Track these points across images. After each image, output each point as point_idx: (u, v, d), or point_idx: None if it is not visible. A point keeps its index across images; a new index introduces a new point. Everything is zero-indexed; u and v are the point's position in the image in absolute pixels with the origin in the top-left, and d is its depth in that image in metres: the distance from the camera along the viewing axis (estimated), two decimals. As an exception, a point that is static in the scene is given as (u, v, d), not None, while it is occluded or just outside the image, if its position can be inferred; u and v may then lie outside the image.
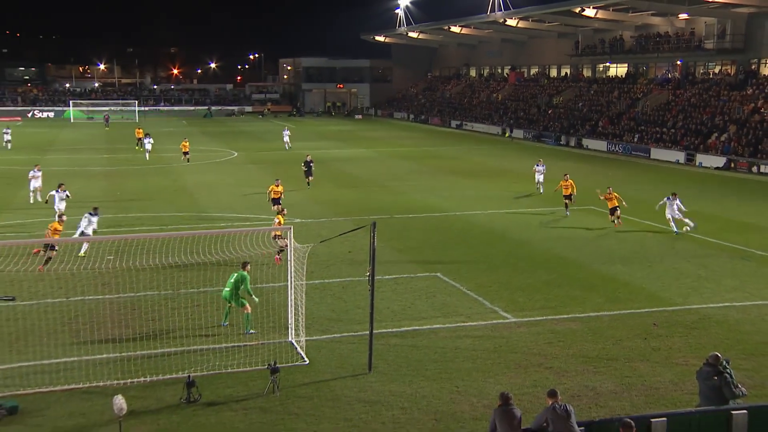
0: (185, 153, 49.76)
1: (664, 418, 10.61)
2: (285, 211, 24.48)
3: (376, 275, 14.61)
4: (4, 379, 13.79)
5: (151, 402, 13.13)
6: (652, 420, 10.55)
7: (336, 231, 25.34)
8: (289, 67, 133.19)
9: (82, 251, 23.20)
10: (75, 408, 12.82)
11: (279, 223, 23.09)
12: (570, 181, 30.96)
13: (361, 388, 13.85)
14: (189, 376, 13.34)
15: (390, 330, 16.86)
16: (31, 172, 33.90)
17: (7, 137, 59.46)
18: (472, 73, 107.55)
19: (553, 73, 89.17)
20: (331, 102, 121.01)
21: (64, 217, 23.75)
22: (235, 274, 16.99)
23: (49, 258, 21.39)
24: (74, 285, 20.04)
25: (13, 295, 14.08)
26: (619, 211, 28.64)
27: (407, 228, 28.74)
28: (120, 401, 11.91)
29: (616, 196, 28.86)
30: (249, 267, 17.36)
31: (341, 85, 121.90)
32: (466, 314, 18.24)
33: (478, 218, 30.97)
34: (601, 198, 29.45)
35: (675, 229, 27.54)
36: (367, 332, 14.73)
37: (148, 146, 52.13)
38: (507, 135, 73.12)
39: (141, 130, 59.99)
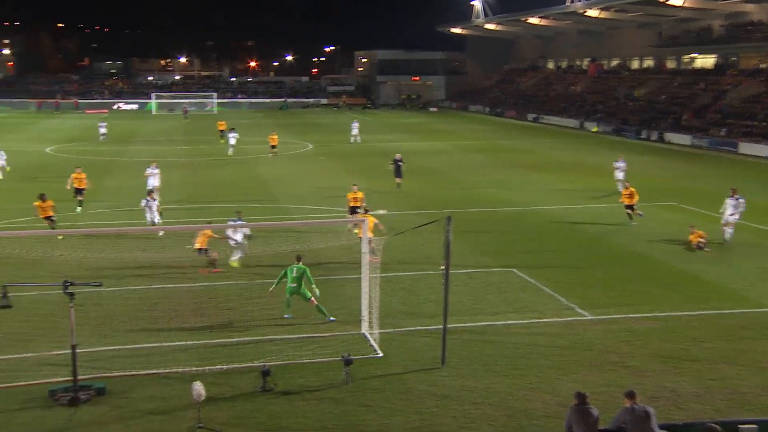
0: (273, 147, 48.40)
1: (754, 425, 10.17)
2: (380, 225, 21.73)
3: (449, 269, 14.57)
4: (92, 362, 14.41)
5: (227, 389, 13.49)
6: (740, 426, 10.13)
7: (409, 224, 25.36)
8: (364, 60, 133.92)
9: (235, 260, 21.46)
10: (156, 392, 13.32)
11: (370, 226, 22.07)
12: (632, 189, 28.21)
13: (433, 382, 13.88)
14: (264, 365, 13.63)
15: (463, 325, 16.80)
16: (149, 168, 32.34)
17: (103, 130, 60.64)
18: (549, 65, 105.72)
19: (634, 64, 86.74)
20: (406, 94, 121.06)
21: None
22: (295, 268, 17.10)
23: (213, 260, 21.01)
24: (154, 273, 20.75)
25: (101, 281, 14.75)
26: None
27: (481, 222, 28.55)
28: (198, 387, 12.30)
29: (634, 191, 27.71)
30: (302, 259, 17.50)
31: (416, 78, 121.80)
32: (540, 310, 18.03)
33: (554, 213, 30.50)
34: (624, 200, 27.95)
35: (726, 237, 24.72)
36: (440, 326, 14.73)
37: (233, 141, 50.68)
38: (594, 130, 70.84)
39: (224, 123, 60.58)
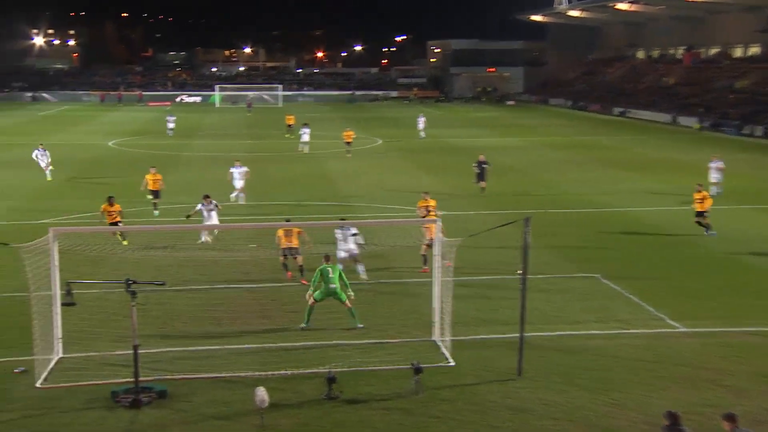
0: (347, 143, 47.45)
1: None
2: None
3: (527, 274, 14.44)
4: (154, 363, 14.85)
5: (291, 395, 13.70)
6: None
7: (484, 225, 25.22)
8: (437, 50, 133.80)
9: (363, 275, 20.37)
10: (218, 396, 13.64)
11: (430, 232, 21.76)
12: (704, 192, 26.40)
13: (508, 394, 13.78)
14: (330, 371, 13.78)
15: (541, 333, 16.60)
16: (233, 168, 31.42)
17: (171, 125, 60.07)
18: (639, 54, 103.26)
19: (737, 52, 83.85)
20: (481, 87, 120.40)
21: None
22: (329, 268, 17.01)
23: (301, 267, 20.25)
24: (216, 272, 21.21)
25: (163, 280, 15.23)
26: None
27: (562, 224, 28.22)
28: (262, 393, 12.54)
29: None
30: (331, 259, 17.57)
31: (492, 69, 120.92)
32: (626, 320, 17.67)
33: (643, 215, 29.85)
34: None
35: None
36: (516, 335, 14.61)
37: (306, 137, 48.95)
38: (696, 127, 67.93)
39: (292, 117, 60.73)
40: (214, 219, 24.00)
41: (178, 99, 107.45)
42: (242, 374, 14.52)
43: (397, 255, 22.29)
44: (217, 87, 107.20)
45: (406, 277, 20.91)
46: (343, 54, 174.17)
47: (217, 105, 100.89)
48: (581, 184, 37.43)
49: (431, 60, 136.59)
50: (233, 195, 31.05)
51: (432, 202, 24.30)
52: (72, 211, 29.34)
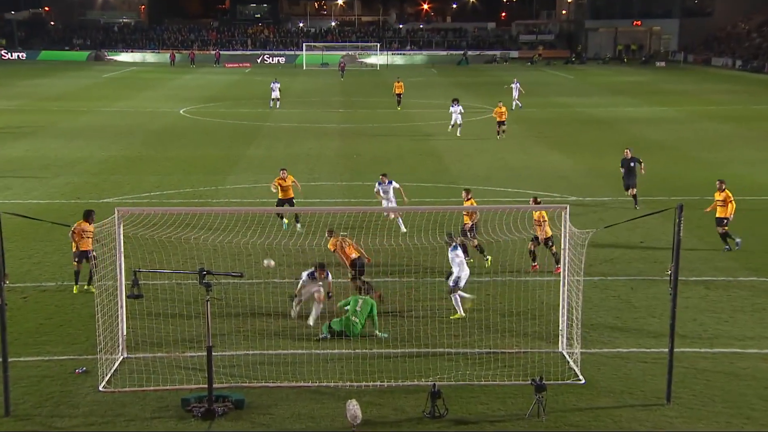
0: (500, 123, 44.07)
1: None
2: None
3: (679, 275, 14.13)
4: (231, 368, 15.35)
5: (389, 411, 13.87)
6: None
7: (624, 214, 24.74)
8: (569, 0, 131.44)
9: None
10: (303, 409, 13.95)
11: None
12: (727, 192, 23.05)
13: (656, 423, 13.54)
14: (434, 384, 13.86)
15: (698, 350, 16.32)
16: (380, 186, 26.47)
17: (275, 93, 58.03)
18: None
19: None
20: (624, 45, 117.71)
21: None
22: (360, 300, 17.25)
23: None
24: (300, 263, 21.50)
25: (241, 271, 15.60)
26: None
27: (725, 215, 27.47)
28: (354, 407, 12.75)
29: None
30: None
31: (638, 22, 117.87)
32: (811, 338, 17.08)
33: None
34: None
35: None
36: (666, 350, 14.32)
37: (458, 117, 44.81)
38: None
39: (401, 84, 59.19)
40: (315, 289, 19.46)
41: (259, 59, 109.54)
42: (332, 384, 14.78)
43: (520, 249, 22.00)
44: (304, 46, 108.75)
45: (528, 274, 20.73)
46: (453, 6, 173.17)
47: (305, 67, 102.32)
48: (753, 165, 36.39)
49: (562, 12, 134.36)
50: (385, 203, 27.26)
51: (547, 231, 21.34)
52: (140, 190, 30.46)
